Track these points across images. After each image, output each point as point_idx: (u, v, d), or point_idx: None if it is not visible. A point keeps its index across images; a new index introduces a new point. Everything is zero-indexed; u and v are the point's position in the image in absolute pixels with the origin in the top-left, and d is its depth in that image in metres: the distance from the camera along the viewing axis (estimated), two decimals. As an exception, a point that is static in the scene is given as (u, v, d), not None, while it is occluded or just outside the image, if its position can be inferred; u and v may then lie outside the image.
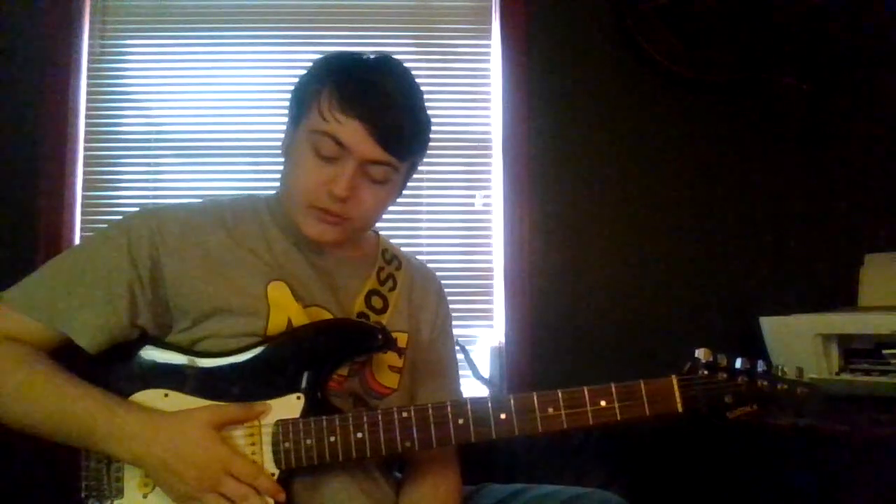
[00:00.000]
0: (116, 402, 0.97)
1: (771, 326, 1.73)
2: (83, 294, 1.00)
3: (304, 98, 1.06)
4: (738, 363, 1.02)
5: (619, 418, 0.98)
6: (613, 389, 0.98)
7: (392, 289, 1.18)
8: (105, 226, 1.09)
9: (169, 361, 1.02)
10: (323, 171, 1.02)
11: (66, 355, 1.02)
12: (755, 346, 1.75)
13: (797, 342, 1.64)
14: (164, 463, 0.93)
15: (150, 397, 1.00)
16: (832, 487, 1.51)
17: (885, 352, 1.52)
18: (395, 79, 1.05)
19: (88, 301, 1.00)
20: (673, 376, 1.00)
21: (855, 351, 1.59)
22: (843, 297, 1.87)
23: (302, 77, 1.09)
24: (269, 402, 0.99)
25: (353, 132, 1.00)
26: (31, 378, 0.97)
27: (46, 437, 0.97)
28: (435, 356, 1.22)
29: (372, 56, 1.08)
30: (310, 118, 1.04)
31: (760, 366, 1.02)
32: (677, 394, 0.98)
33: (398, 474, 1.15)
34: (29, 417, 0.97)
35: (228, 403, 0.97)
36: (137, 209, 1.11)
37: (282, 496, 0.95)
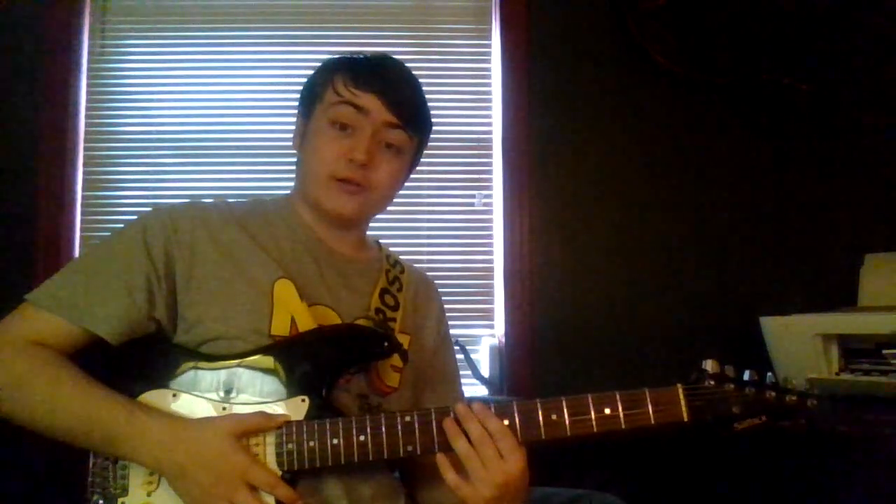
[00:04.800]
0: (139, 407, 0.98)
1: (771, 326, 1.73)
2: (103, 288, 1.02)
3: (314, 90, 1.14)
4: (746, 375, 1.00)
5: (623, 426, 0.97)
6: (618, 397, 0.97)
7: (399, 290, 1.21)
8: (109, 233, 1.10)
9: (177, 362, 1.03)
10: (342, 143, 1.09)
11: (78, 353, 1.03)
12: (755, 346, 1.75)
13: (797, 342, 1.64)
14: (182, 469, 0.94)
15: (158, 397, 1.00)
16: (832, 487, 1.51)
17: (885, 352, 1.52)
18: (399, 66, 1.16)
19: (108, 294, 1.02)
20: (678, 385, 0.98)
21: (855, 351, 1.59)
22: (843, 297, 1.87)
23: (309, 77, 1.17)
24: (274, 403, 1.00)
25: (370, 101, 1.09)
26: (56, 382, 0.97)
27: (68, 442, 0.98)
28: (440, 364, 1.25)
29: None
30: (324, 101, 1.11)
31: (769, 378, 1.01)
32: (683, 403, 0.97)
33: (396, 473, 1.16)
34: (53, 421, 0.97)
35: (249, 413, 0.98)
36: (151, 208, 1.13)
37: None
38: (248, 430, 0.96)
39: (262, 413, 0.98)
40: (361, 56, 1.15)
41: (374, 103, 1.08)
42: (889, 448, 1.42)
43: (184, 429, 0.96)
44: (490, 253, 2.13)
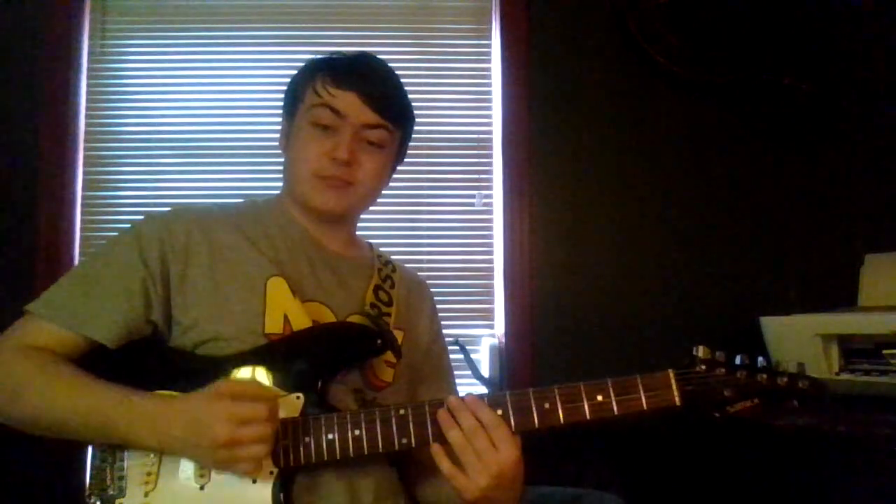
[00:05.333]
0: (134, 392, 0.98)
1: (771, 326, 1.73)
2: (100, 295, 1.04)
3: (297, 90, 1.17)
4: (738, 359, 1.01)
5: (616, 412, 0.98)
6: (609, 384, 0.98)
7: (392, 287, 1.22)
8: (109, 233, 1.12)
9: (174, 364, 1.04)
10: (323, 142, 1.11)
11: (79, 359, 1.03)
12: (755, 347, 1.75)
13: (797, 342, 1.64)
14: (181, 439, 0.93)
15: None
16: (832, 487, 1.51)
17: (885, 352, 1.52)
18: (377, 63, 1.19)
19: (106, 300, 1.03)
20: (670, 370, 0.99)
21: (855, 351, 1.59)
22: (843, 297, 1.87)
23: (292, 78, 1.20)
24: None
25: (348, 101, 1.11)
26: (55, 379, 0.98)
27: (69, 436, 0.99)
28: (435, 360, 1.27)
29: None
30: (306, 101, 1.14)
31: (760, 361, 1.02)
32: (675, 387, 0.98)
33: (395, 470, 1.16)
34: (53, 417, 0.98)
35: (241, 379, 0.99)
36: (146, 215, 1.14)
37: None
38: (236, 391, 0.93)
39: (255, 381, 0.98)
40: (340, 55, 1.18)
41: (353, 103, 1.10)
42: (889, 448, 1.42)
43: (178, 401, 0.96)
44: (490, 253, 2.12)
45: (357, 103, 1.11)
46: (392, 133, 1.15)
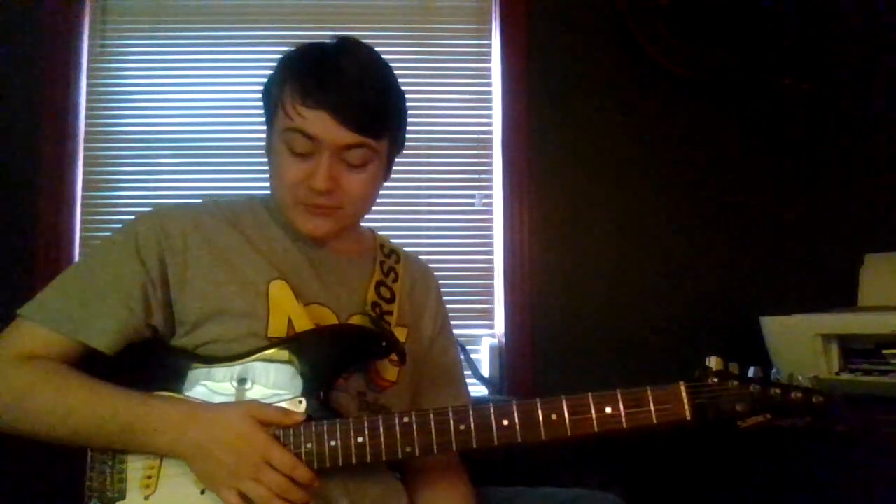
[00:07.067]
0: (150, 395, 0.98)
1: (771, 326, 1.73)
2: (97, 300, 1.02)
3: (270, 99, 1.07)
4: (751, 372, 0.98)
5: (625, 426, 0.96)
6: (619, 396, 0.96)
7: (395, 280, 1.20)
8: (109, 233, 1.10)
9: (176, 365, 1.03)
10: (301, 167, 1.03)
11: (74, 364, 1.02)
12: (755, 346, 1.75)
13: (797, 342, 1.64)
14: (202, 448, 0.93)
15: None
16: (832, 487, 1.51)
17: (885, 352, 1.52)
18: (354, 60, 1.04)
19: (104, 306, 1.01)
20: (681, 383, 0.97)
21: (855, 351, 1.59)
22: (843, 297, 1.87)
23: (268, 78, 1.10)
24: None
25: (320, 123, 1.00)
26: (65, 388, 0.97)
27: (82, 443, 0.98)
28: (438, 356, 1.23)
29: (331, 42, 1.08)
30: (279, 118, 1.04)
31: (774, 374, 0.99)
32: (686, 401, 0.96)
33: (398, 474, 1.16)
34: (67, 425, 0.97)
35: (268, 404, 0.98)
36: (141, 212, 1.11)
37: (317, 484, 0.95)
38: (265, 418, 0.96)
39: (280, 408, 0.98)
40: (314, 52, 1.06)
41: (326, 124, 0.99)
42: (889, 447, 1.42)
43: (203, 410, 0.96)
44: (490, 253, 2.12)
45: (331, 124, 0.99)
46: (376, 148, 1.05)
